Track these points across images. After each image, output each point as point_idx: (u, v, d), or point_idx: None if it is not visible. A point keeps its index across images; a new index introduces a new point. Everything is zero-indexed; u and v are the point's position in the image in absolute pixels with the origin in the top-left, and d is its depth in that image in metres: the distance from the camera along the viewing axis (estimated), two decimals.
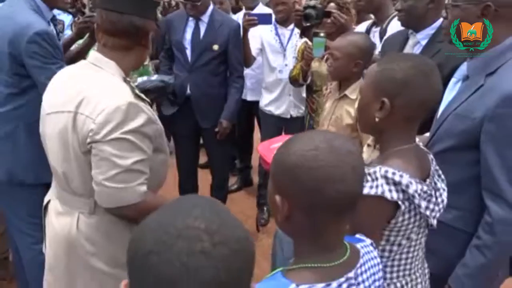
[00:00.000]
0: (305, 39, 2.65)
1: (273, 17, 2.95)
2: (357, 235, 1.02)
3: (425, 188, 1.09)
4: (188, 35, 2.82)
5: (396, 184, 1.05)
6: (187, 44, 2.81)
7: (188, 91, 2.82)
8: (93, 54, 1.33)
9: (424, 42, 1.97)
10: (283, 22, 3.03)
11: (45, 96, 1.36)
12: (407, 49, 2.04)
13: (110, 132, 1.18)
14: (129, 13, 1.25)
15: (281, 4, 2.94)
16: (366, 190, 1.04)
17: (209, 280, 0.53)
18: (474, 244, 1.33)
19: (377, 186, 1.04)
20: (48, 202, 1.43)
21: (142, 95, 1.29)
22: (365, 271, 0.92)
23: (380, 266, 1.00)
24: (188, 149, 3.04)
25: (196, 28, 2.81)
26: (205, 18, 2.81)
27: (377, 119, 1.13)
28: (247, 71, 3.49)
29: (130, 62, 1.33)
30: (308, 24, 2.43)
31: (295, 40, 2.96)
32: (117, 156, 1.19)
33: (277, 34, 3.04)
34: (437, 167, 1.25)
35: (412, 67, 1.11)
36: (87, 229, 1.30)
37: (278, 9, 2.96)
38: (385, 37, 2.39)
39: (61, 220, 1.34)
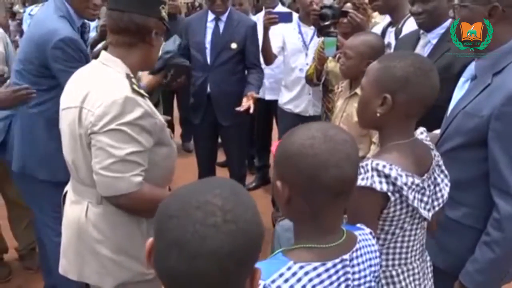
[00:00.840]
0: (322, 38, 2.68)
1: (295, 16, 2.97)
2: (358, 225, 1.07)
3: (416, 181, 1.13)
4: (209, 35, 2.88)
5: (386, 176, 1.10)
6: (208, 44, 2.87)
7: (208, 89, 2.90)
8: (102, 53, 1.40)
9: (434, 41, 1.99)
10: (307, 20, 2.99)
11: (62, 94, 1.46)
12: (418, 49, 2.06)
13: (107, 124, 1.25)
14: (129, 11, 1.32)
15: None
16: (357, 182, 1.08)
17: (214, 249, 0.62)
18: (483, 240, 1.35)
19: (367, 178, 1.10)
20: (66, 192, 1.53)
21: (141, 91, 1.34)
22: (361, 255, 0.97)
23: (378, 254, 1.04)
24: (207, 147, 3.13)
25: (216, 28, 2.88)
26: (224, 17, 2.88)
27: (378, 114, 1.17)
28: (265, 71, 3.54)
29: (135, 59, 1.39)
30: (324, 24, 2.44)
31: (318, 39, 2.97)
32: (113, 146, 1.26)
33: (300, 32, 3.04)
34: (440, 163, 1.27)
35: (411, 65, 1.15)
36: (95, 217, 1.38)
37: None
38: (399, 37, 2.41)
39: (73, 208, 1.44)
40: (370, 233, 1.06)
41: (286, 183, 0.91)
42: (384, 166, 1.09)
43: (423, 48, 2.04)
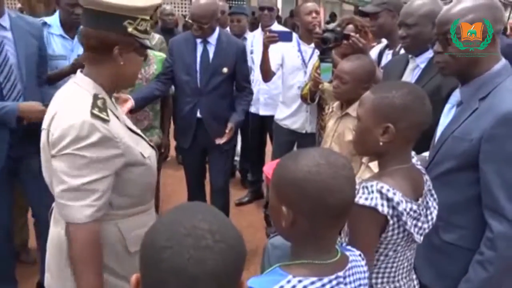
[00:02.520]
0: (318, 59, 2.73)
1: (294, 35, 3.00)
2: (348, 247, 1.11)
3: (414, 207, 1.18)
4: (198, 58, 2.79)
5: (388, 200, 1.14)
6: (198, 67, 2.78)
7: (199, 114, 2.82)
8: (77, 73, 1.39)
9: (423, 66, 2.04)
10: (306, 38, 3.05)
11: None
12: (407, 73, 2.11)
13: (63, 148, 1.24)
14: (95, 28, 1.31)
15: (315, 12, 3.02)
16: (361, 201, 1.13)
17: (210, 269, 0.65)
18: (477, 260, 1.37)
19: (371, 199, 1.13)
20: (52, 209, 1.50)
21: (102, 115, 1.30)
22: (352, 274, 1.02)
23: (367, 275, 1.08)
24: (198, 170, 3.08)
25: (205, 51, 2.79)
26: (213, 40, 2.79)
27: (381, 143, 1.22)
28: (260, 86, 3.59)
29: (105, 77, 1.36)
30: (326, 47, 2.47)
31: (317, 58, 3.01)
32: (65, 173, 1.24)
33: (299, 50, 3.07)
34: (431, 187, 1.31)
35: (408, 93, 1.21)
36: None
37: (313, 16, 3.01)
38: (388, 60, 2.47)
39: (54, 226, 1.43)
40: (360, 255, 1.10)
41: (291, 207, 0.96)
42: (388, 190, 1.14)
43: (412, 72, 2.09)
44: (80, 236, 1.25)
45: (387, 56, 2.67)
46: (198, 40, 2.79)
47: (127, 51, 1.34)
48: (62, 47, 2.64)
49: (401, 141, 1.22)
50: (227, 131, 2.74)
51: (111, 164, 1.29)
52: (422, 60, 2.05)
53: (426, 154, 1.79)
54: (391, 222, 1.15)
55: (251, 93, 3.00)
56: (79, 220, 1.25)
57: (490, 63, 1.41)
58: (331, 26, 2.54)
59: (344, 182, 0.95)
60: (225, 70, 2.78)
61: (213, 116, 2.82)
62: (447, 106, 1.60)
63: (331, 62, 2.39)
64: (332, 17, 11.68)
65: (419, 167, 1.33)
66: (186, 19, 2.86)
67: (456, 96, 1.55)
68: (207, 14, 2.66)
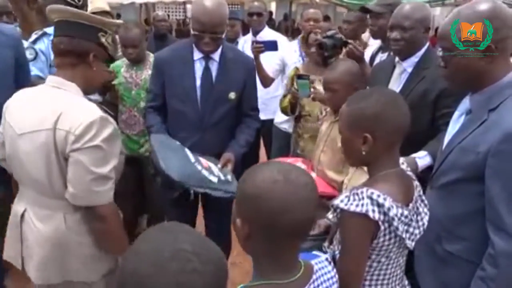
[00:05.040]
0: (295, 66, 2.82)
1: (286, 41, 3.07)
2: (314, 252, 1.10)
3: (405, 213, 1.17)
4: (198, 81, 2.14)
5: (379, 205, 1.13)
6: (198, 93, 2.13)
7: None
8: (52, 78, 1.54)
9: (410, 70, 2.05)
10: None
11: (11, 117, 1.54)
12: (394, 77, 2.12)
13: (87, 142, 1.40)
14: (72, 36, 1.50)
15: (314, 20, 3.07)
16: (352, 208, 1.14)
17: None
18: (479, 275, 1.35)
19: (362, 205, 1.13)
20: (24, 211, 1.56)
21: (107, 109, 1.49)
22: (318, 286, 1.00)
23: (335, 280, 1.07)
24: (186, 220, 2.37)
25: (206, 71, 2.14)
26: (216, 56, 2.15)
27: (364, 153, 1.23)
28: None
29: (79, 79, 1.53)
30: (326, 54, 2.50)
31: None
32: (92, 163, 1.41)
33: (301, 55, 3.12)
34: (421, 193, 1.32)
35: (378, 100, 1.22)
36: (75, 224, 1.51)
37: (311, 23, 3.07)
38: (374, 64, 2.48)
39: (46, 223, 1.52)
40: (326, 259, 1.08)
41: (246, 221, 0.94)
42: (378, 196, 1.14)
43: (400, 76, 2.10)
44: (112, 213, 1.50)
45: (381, 59, 2.67)
46: (196, 56, 2.14)
47: (98, 60, 1.56)
48: None
49: (384, 147, 1.23)
50: (220, 164, 2.10)
51: (118, 150, 1.52)
52: (408, 64, 2.06)
53: (415, 155, 1.79)
54: (382, 228, 1.15)
55: (258, 121, 2.41)
56: (108, 200, 1.48)
57: (501, 72, 1.38)
58: (330, 32, 2.53)
59: (300, 201, 0.91)
60: (232, 95, 2.17)
61: (217, 155, 2.17)
62: (456, 114, 1.58)
63: (307, 79, 2.40)
64: (326, 20, 11.68)
65: (409, 173, 1.34)
66: (192, 32, 2.05)
67: (465, 103, 1.52)
68: (223, 20, 2.04)
